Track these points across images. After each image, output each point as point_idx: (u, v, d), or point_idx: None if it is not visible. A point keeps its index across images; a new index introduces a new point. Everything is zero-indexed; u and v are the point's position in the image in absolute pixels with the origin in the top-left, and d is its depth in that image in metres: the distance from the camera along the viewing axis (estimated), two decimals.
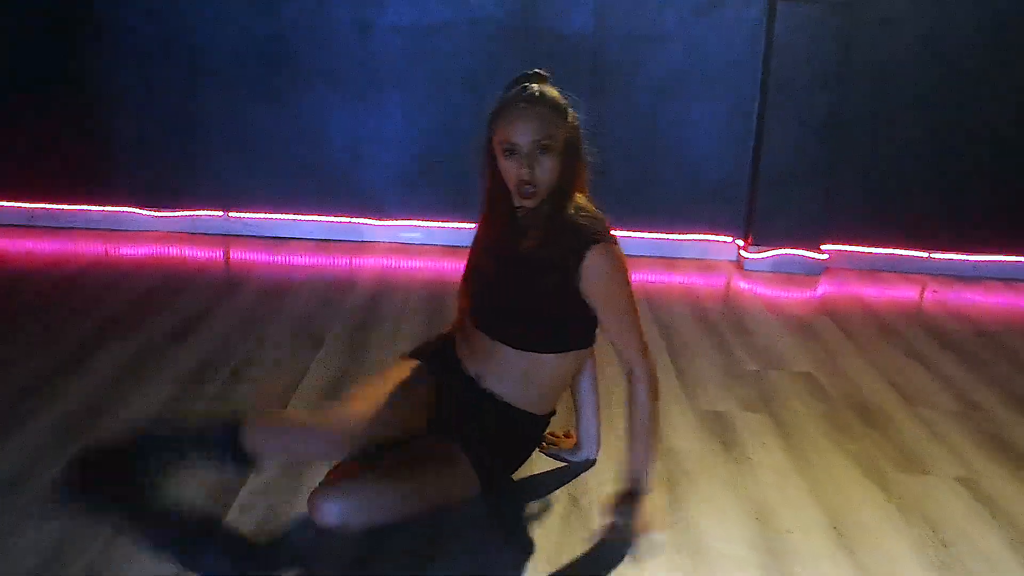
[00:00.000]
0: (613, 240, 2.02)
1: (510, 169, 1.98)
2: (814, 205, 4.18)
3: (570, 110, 2.02)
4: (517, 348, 2.10)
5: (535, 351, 2.10)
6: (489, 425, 2.11)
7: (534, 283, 2.05)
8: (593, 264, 1.98)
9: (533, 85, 2.01)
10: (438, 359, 2.23)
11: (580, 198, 2.08)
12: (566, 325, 2.11)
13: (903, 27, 4.04)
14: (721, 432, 2.59)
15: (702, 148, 4.25)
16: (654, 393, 2.05)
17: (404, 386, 2.15)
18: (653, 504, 2.03)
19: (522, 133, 1.95)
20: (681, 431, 2.61)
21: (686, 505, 2.23)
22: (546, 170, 1.97)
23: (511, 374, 2.11)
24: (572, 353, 2.13)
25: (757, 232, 4.22)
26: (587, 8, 4.07)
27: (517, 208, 2.06)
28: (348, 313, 3.45)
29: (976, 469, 2.48)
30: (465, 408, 2.13)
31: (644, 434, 2.04)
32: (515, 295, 2.08)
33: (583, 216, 2.03)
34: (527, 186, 1.96)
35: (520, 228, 2.06)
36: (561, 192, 2.03)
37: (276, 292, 3.65)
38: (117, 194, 4.43)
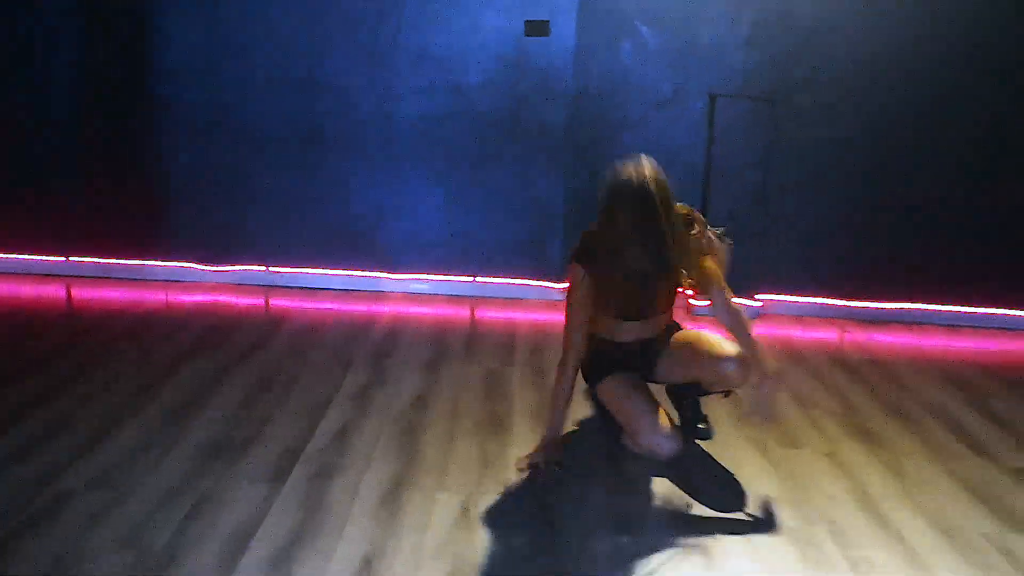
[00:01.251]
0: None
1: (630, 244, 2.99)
2: (749, 261, 5.10)
3: (665, 187, 2.97)
4: (663, 312, 3.23)
5: (667, 310, 3.23)
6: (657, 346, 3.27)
7: (661, 286, 3.15)
8: (701, 236, 3.17)
9: (636, 173, 2.97)
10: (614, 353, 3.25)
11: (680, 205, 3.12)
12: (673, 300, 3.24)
13: (821, 122, 5.00)
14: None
15: None
16: (740, 308, 3.13)
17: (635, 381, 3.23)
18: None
19: (634, 213, 2.95)
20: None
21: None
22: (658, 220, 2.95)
23: (658, 324, 3.25)
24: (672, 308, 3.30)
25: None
26: (566, 102, 5.03)
27: None
28: (370, 344, 4.36)
29: (837, 446, 3.38)
30: (643, 352, 3.26)
31: (747, 332, 3.06)
32: (656, 288, 3.13)
33: (684, 210, 3.14)
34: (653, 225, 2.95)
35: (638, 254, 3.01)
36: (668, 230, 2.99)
37: (312, 329, 4.56)
38: (177, 251, 5.33)
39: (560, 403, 3.12)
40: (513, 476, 3.03)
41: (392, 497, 2.84)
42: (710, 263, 3.14)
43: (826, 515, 2.87)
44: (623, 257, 2.97)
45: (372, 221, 5.25)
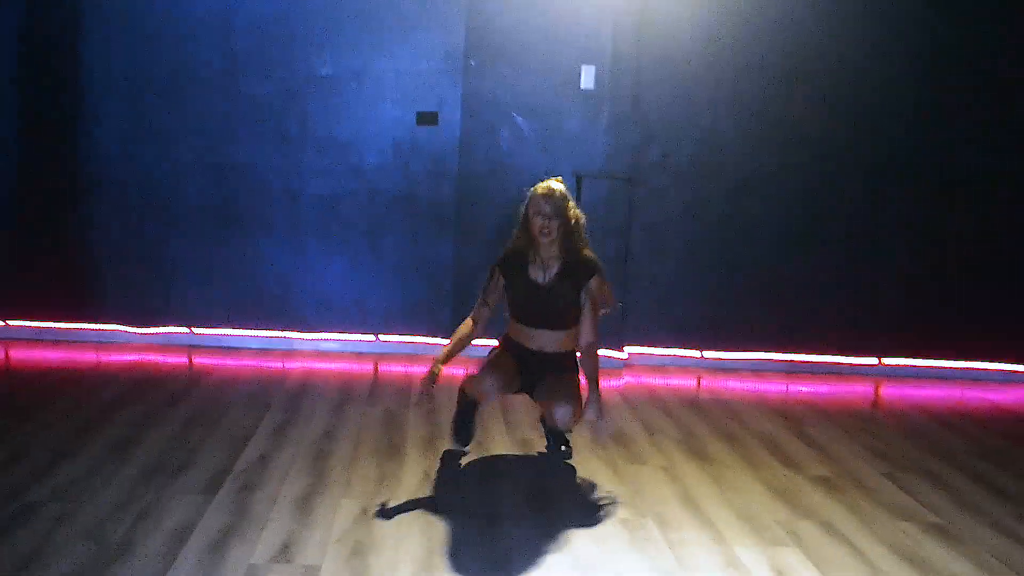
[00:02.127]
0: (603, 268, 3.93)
1: (536, 223, 3.79)
2: (615, 320, 5.88)
3: (570, 199, 3.86)
4: (555, 329, 3.90)
5: (565, 328, 3.89)
6: (559, 363, 3.96)
7: (563, 292, 3.85)
8: (598, 283, 3.88)
9: (550, 183, 3.87)
10: (513, 350, 3.98)
11: (585, 249, 3.93)
12: (572, 313, 3.89)
13: (670, 197, 5.87)
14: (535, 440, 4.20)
15: None
16: (597, 358, 3.93)
17: (507, 363, 3.93)
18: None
19: (544, 207, 3.78)
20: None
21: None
22: (555, 227, 3.78)
23: (558, 340, 3.92)
24: (573, 328, 3.94)
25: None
26: (453, 182, 5.80)
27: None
28: (284, 391, 4.99)
29: (674, 462, 4.13)
30: (544, 364, 3.93)
31: (596, 381, 3.88)
32: (553, 301, 3.87)
33: (589, 257, 3.89)
34: (544, 230, 3.78)
35: (546, 262, 3.87)
36: (570, 242, 3.86)
37: (232, 381, 5.18)
38: (107, 315, 5.90)
39: (451, 345, 3.93)
40: (404, 488, 3.70)
41: (305, 503, 3.49)
42: (595, 306, 3.93)
43: (654, 510, 3.61)
44: (528, 262, 3.89)
45: (283, 287, 5.91)
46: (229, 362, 5.64)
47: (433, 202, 5.83)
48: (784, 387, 5.71)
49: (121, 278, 5.89)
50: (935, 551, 3.35)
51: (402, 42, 5.71)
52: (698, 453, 4.31)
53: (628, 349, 6.01)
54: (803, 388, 5.70)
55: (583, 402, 3.86)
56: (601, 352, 5.58)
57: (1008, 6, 5.79)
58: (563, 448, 4.13)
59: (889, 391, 5.77)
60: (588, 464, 4.09)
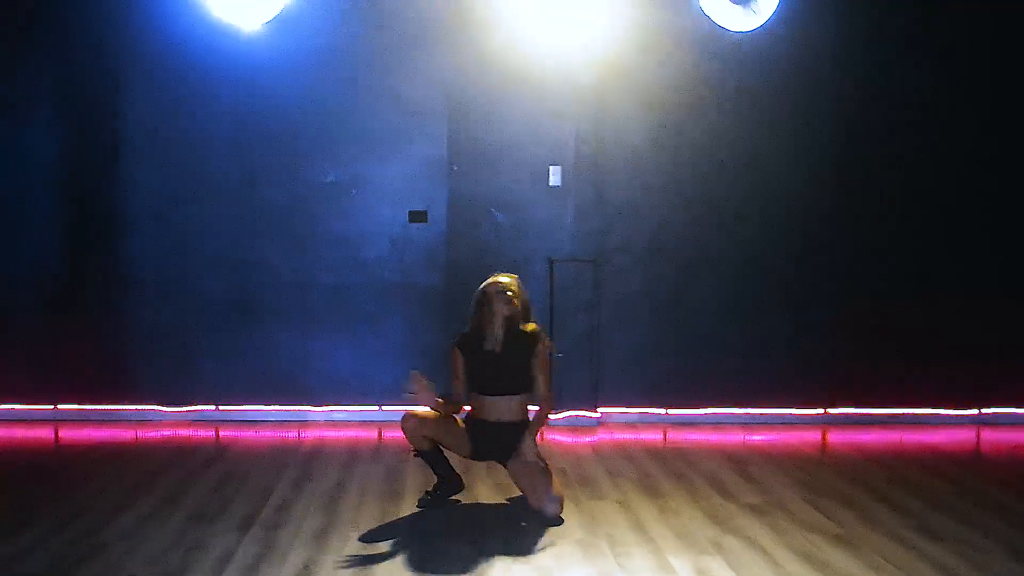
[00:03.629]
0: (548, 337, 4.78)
1: (497, 302, 4.65)
2: (588, 383, 6.72)
3: (520, 287, 4.76)
4: (512, 395, 4.70)
5: (519, 393, 4.69)
6: (516, 434, 4.69)
7: (517, 361, 4.66)
8: (542, 347, 4.67)
9: (504, 279, 4.75)
10: (474, 424, 4.79)
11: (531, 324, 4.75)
12: (524, 378, 4.70)
13: (632, 275, 6.75)
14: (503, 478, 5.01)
15: None
16: (549, 409, 4.79)
17: (454, 428, 4.74)
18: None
19: (503, 306, 4.64)
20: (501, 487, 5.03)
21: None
22: (511, 305, 4.65)
23: (512, 409, 4.70)
24: (528, 393, 4.74)
25: (555, 400, 6.72)
26: (442, 270, 6.69)
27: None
28: (300, 454, 5.82)
29: (629, 498, 4.94)
30: (504, 435, 4.70)
31: (536, 424, 4.68)
32: (509, 369, 4.67)
33: (533, 328, 4.71)
34: (502, 324, 4.65)
35: (499, 337, 4.68)
36: (516, 322, 4.69)
37: (255, 449, 6.02)
38: (142, 396, 6.76)
39: (447, 405, 4.71)
40: (403, 522, 4.52)
41: (321, 536, 4.30)
42: (544, 366, 4.74)
43: (606, 532, 4.40)
44: (483, 339, 4.69)
45: (297, 366, 6.77)
46: (251, 433, 6.46)
47: (425, 288, 6.72)
48: (740, 437, 6.49)
49: (154, 363, 6.75)
50: (835, 556, 4.12)
51: (395, 152, 6.66)
52: (650, 489, 5.11)
53: (601, 409, 6.81)
54: (757, 437, 6.48)
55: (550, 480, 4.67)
56: (577, 412, 6.44)
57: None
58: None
59: (834, 437, 6.55)
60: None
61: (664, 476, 5.39)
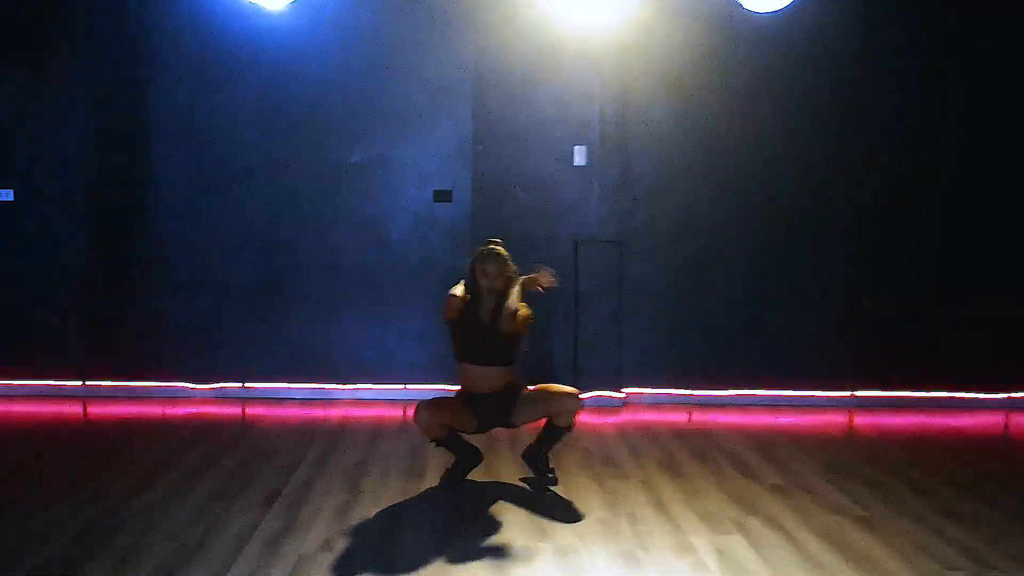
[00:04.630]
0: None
1: (484, 282, 4.65)
2: (613, 364, 6.71)
3: (508, 259, 4.72)
4: (501, 365, 4.71)
5: (504, 364, 4.72)
6: (511, 396, 4.74)
7: (504, 335, 4.63)
8: (526, 318, 4.64)
9: (492, 247, 4.73)
10: (469, 399, 4.77)
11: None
12: (514, 350, 4.71)
13: (657, 256, 6.72)
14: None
15: (547, 332, 6.78)
16: (521, 325, 4.69)
17: (451, 403, 4.74)
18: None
19: (489, 268, 4.64)
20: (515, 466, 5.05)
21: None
22: (500, 283, 4.64)
23: (499, 376, 4.72)
24: (513, 365, 4.76)
25: (579, 382, 6.72)
26: (467, 250, 6.62)
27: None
28: (325, 431, 5.85)
29: (652, 477, 4.93)
30: (498, 401, 4.74)
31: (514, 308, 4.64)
32: (496, 341, 4.67)
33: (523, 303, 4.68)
34: (490, 290, 4.65)
35: (489, 310, 4.67)
36: (505, 294, 4.65)
37: (281, 425, 6.06)
38: (170, 373, 6.83)
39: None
40: (424, 500, 4.53)
41: (343, 511, 4.32)
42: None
43: (628, 511, 4.40)
44: (477, 307, 4.71)
45: (323, 345, 6.80)
46: (277, 411, 6.51)
47: (450, 267, 6.69)
48: (766, 419, 6.46)
49: (182, 341, 6.81)
50: (859, 537, 4.10)
51: (420, 132, 6.66)
52: (673, 470, 5.10)
53: (626, 389, 6.80)
54: (782, 419, 6.45)
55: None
56: (601, 393, 6.43)
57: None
58: (550, 475, 4.84)
59: (860, 420, 6.50)
60: (577, 479, 4.89)
61: (688, 457, 5.38)
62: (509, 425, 4.85)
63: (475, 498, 4.61)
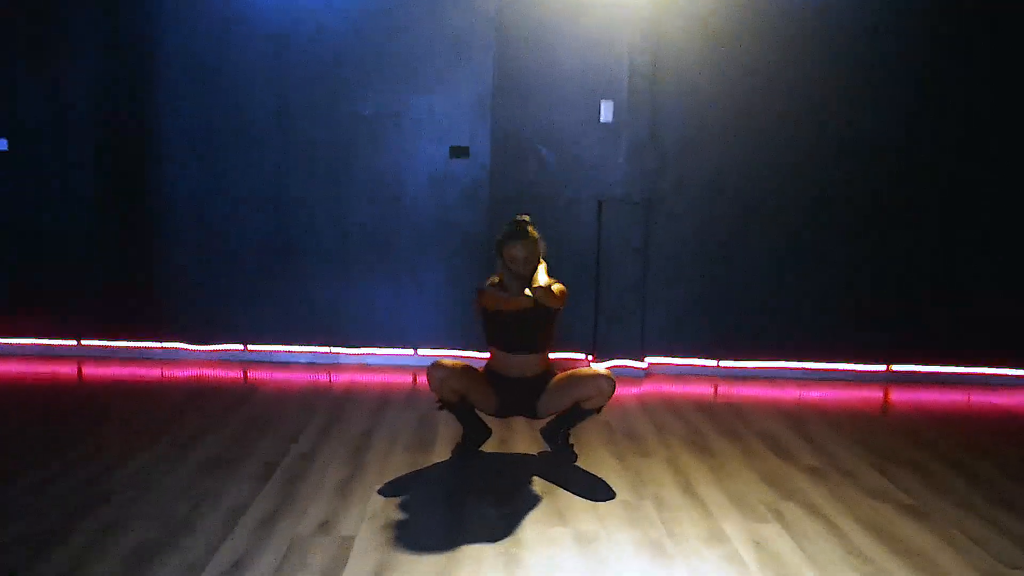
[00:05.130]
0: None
1: (513, 267, 4.29)
2: (635, 332, 6.35)
3: (539, 239, 4.34)
4: (535, 352, 4.38)
5: (539, 351, 4.39)
6: (542, 385, 4.41)
7: (540, 317, 4.28)
8: (563, 296, 4.27)
9: (521, 226, 4.33)
10: (495, 378, 4.45)
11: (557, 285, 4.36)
12: (546, 335, 4.36)
13: (686, 219, 6.33)
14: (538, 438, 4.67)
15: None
16: (560, 299, 4.25)
17: (471, 371, 4.39)
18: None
19: (519, 251, 4.27)
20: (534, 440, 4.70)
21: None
22: (531, 267, 4.27)
23: (533, 363, 4.40)
24: (547, 350, 4.44)
25: (599, 350, 6.38)
26: (484, 209, 6.31)
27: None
28: (330, 399, 5.52)
29: (678, 455, 4.58)
30: (526, 389, 4.41)
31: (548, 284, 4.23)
32: (530, 327, 4.32)
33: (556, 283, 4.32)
34: (521, 275, 4.28)
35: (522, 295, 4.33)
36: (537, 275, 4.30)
37: (283, 391, 5.73)
38: (170, 334, 6.51)
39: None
40: (432, 475, 4.20)
41: (344, 487, 3.99)
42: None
43: (653, 493, 4.05)
44: (508, 289, 4.34)
45: (330, 307, 6.46)
46: (280, 375, 6.18)
47: (466, 228, 6.35)
48: (795, 393, 6.10)
49: (183, 300, 6.48)
50: (905, 527, 3.75)
51: (437, 84, 6.26)
52: (701, 448, 4.74)
53: (649, 359, 6.45)
54: (813, 394, 6.09)
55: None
56: (623, 362, 6.08)
57: None
58: (568, 451, 4.51)
59: (897, 395, 6.13)
60: (598, 456, 4.54)
61: (716, 433, 5.03)
62: (533, 415, 4.52)
63: (487, 474, 4.27)
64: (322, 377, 6.16)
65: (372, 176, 6.35)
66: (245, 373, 6.22)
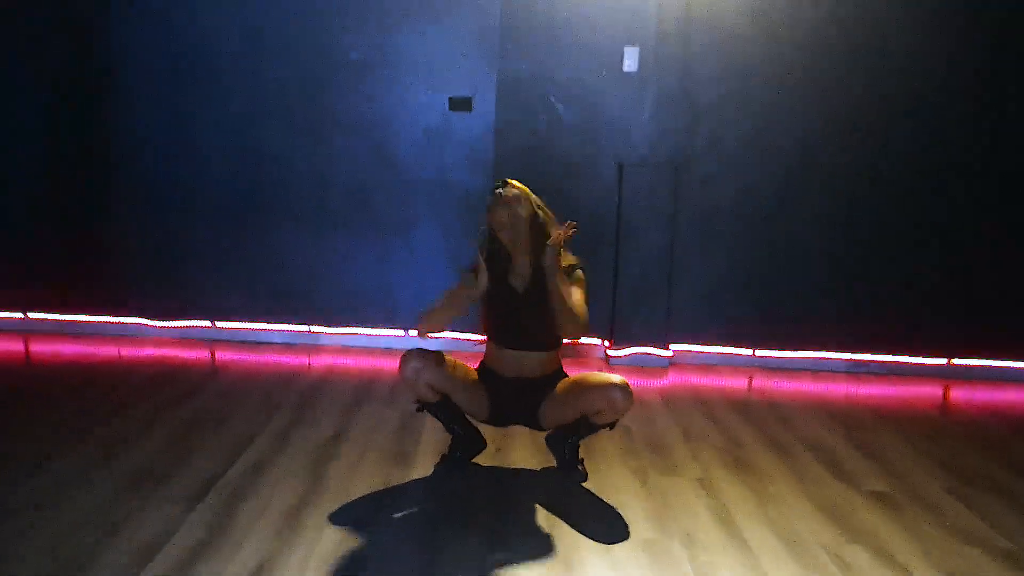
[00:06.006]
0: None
1: (504, 236, 3.43)
2: (660, 315, 5.50)
3: (532, 196, 3.47)
4: (543, 350, 3.53)
5: (549, 349, 3.55)
6: (542, 391, 3.55)
7: (542, 306, 3.39)
8: (579, 280, 3.43)
9: (499, 190, 3.45)
10: (489, 377, 3.60)
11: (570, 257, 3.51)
12: (556, 332, 3.47)
13: (720, 185, 5.45)
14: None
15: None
16: (580, 316, 3.38)
17: (458, 364, 3.55)
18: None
19: (501, 217, 3.41)
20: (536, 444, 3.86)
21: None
22: (520, 227, 3.41)
23: (541, 364, 3.54)
24: (557, 350, 3.57)
25: (617, 335, 5.53)
26: (487, 170, 5.45)
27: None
28: (300, 389, 4.70)
29: (712, 474, 3.73)
30: (528, 392, 3.55)
31: (566, 290, 3.36)
32: (537, 315, 3.43)
33: (568, 257, 3.48)
34: (510, 240, 3.42)
35: (525, 276, 3.46)
36: (542, 248, 3.39)
37: (248, 378, 4.91)
38: (128, 308, 5.69)
39: (441, 301, 3.48)
40: (407, 499, 3.36)
41: (292, 516, 3.16)
42: (582, 291, 3.52)
43: (684, 528, 3.22)
44: (508, 270, 3.48)
45: (309, 279, 5.63)
46: (250, 357, 5.39)
47: (466, 191, 5.50)
48: (844, 389, 5.27)
49: (142, 270, 5.67)
50: None
51: (435, 24, 5.39)
52: (740, 463, 3.90)
53: (674, 347, 5.60)
54: (865, 391, 5.25)
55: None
56: (644, 349, 5.26)
57: None
58: (579, 468, 3.68)
59: (959, 394, 5.29)
60: (614, 474, 3.71)
61: (756, 442, 4.19)
62: (533, 425, 3.67)
63: (476, 500, 3.43)
64: (297, 360, 5.36)
65: (359, 128, 5.50)
66: (212, 355, 5.42)
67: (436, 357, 3.47)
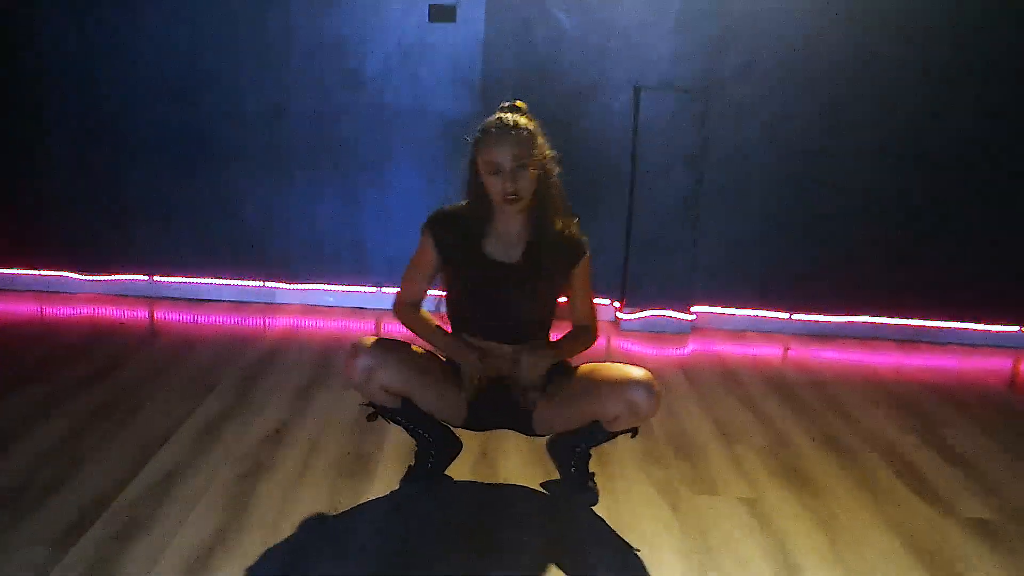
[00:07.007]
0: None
1: (495, 184, 2.47)
2: (681, 271, 4.63)
3: (540, 137, 2.52)
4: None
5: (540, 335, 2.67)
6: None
7: (537, 288, 2.58)
8: (583, 266, 2.59)
9: (508, 115, 2.50)
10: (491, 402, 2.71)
11: (560, 220, 2.62)
12: (549, 320, 2.67)
13: (755, 115, 4.54)
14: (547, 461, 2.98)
15: (587, 222, 4.69)
16: (590, 341, 2.70)
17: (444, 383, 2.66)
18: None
19: (503, 154, 2.42)
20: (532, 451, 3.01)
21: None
22: (526, 183, 2.46)
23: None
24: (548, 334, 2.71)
25: (630, 295, 4.66)
26: (474, 95, 4.55)
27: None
28: (245, 362, 3.84)
29: (762, 493, 2.88)
30: (510, 393, 2.69)
31: (569, 341, 2.67)
32: (528, 297, 2.59)
33: (570, 231, 2.61)
34: (512, 196, 2.46)
35: (513, 241, 2.59)
36: (544, 210, 2.55)
37: (186, 346, 4.04)
38: (52, 259, 4.82)
39: (426, 329, 2.69)
40: (360, 529, 2.51)
41: (198, 564, 2.31)
42: (587, 287, 2.69)
43: (729, 574, 2.38)
44: (484, 234, 2.59)
45: (264, 226, 4.77)
46: (192, 317, 4.55)
47: (449, 119, 4.59)
48: (893, 360, 4.44)
49: (69, 217, 4.79)
50: None
51: None
52: (793, 472, 3.06)
53: (696, 309, 4.74)
54: (922, 363, 4.42)
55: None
56: (663, 312, 4.43)
57: None
58: (590, 485, 2.82)
59: None
60: (634, 493, 2.86)
61: (810, 442, 3.34)
62: (526, 431, 2.79)
63: (453, 532, 2.58)
64: (251, 322, 4.50)
65: (319, 46, 4.59)
66: (150, 313, 4.57)
67: (395, 351, 2.59)
